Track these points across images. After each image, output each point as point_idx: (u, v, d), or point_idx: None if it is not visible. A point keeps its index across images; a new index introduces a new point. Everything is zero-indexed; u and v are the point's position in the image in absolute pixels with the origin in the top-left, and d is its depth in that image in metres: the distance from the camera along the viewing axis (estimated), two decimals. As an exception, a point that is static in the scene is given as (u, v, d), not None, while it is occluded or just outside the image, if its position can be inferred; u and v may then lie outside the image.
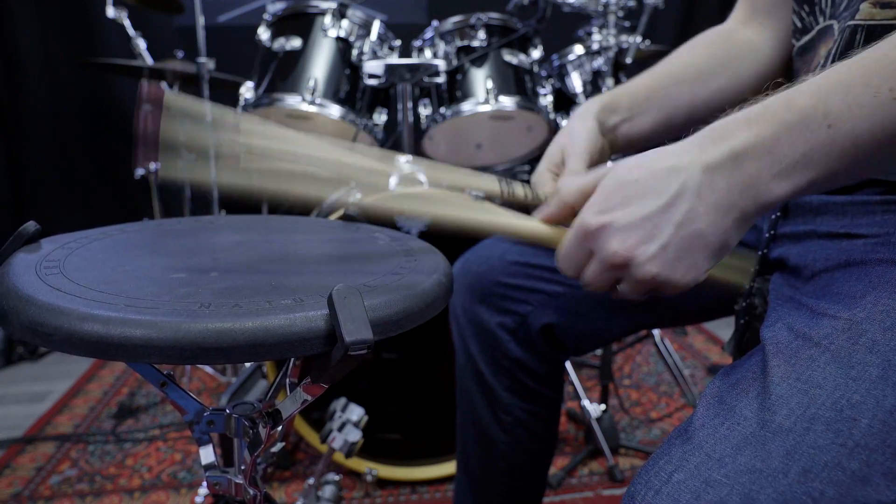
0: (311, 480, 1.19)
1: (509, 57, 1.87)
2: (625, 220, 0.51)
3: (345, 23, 1.84)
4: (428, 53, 1.96)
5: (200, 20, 1.85)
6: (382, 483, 1.51)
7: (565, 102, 2.06)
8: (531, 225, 0.61)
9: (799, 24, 0.70)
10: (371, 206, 0.64)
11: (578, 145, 0.74)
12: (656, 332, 1.91)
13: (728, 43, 0.83)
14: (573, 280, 0.83)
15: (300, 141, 0.62)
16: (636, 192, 0.51)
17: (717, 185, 0.49)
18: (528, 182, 0.72)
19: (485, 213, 0.62)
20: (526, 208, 0.64)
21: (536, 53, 1.94)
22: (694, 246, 0.50)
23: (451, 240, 1.16)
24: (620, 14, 1.79)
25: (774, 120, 0.48)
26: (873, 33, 0.56)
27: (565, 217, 0.59)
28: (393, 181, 1.45)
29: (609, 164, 0.74)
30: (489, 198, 0.67)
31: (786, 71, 0.81)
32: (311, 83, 1.75)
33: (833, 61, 0.60)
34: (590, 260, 0.55)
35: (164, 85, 2.07)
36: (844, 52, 0.59)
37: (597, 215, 0.52)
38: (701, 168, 0.49)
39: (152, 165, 2.11)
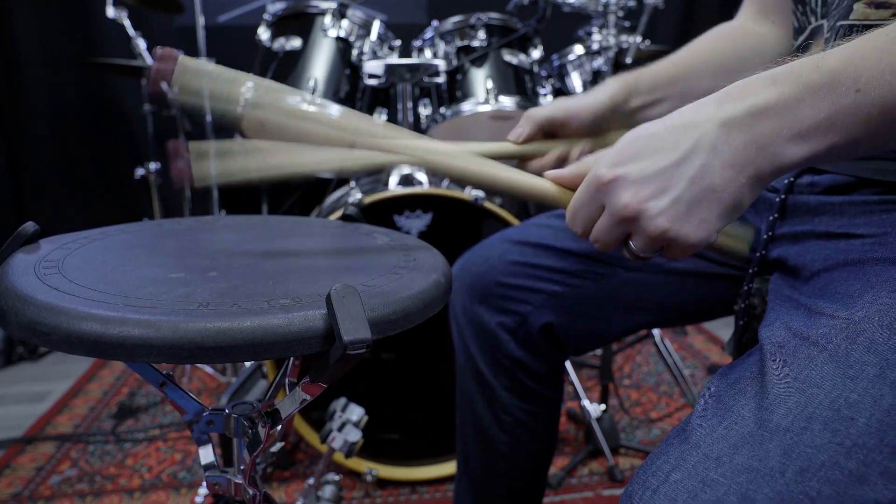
0: (311, 480, 1.19)
1: (509, 57, 1.87)
2: (638, 173, 0.50)
3: (345, 23, 1.85)
4: (428, 53, 1.96)
5: (200, 20, 1.85)
6: (382, 483, 1.51)
7: (565, 102, 2.06)
8: (543, 184, 0.61)
9: (796, 24, 0.70)
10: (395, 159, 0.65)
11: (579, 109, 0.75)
12: (656, 332, 1.91)
13: (746, 38, 0.83)
14: (571, 280, 0.84)
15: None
16: (651, 146, 0.51)
17: (734, 142, 0.48)
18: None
19: (499, 170, 0.62)
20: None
21: (536, 53, 1.94)
22: (706, 201, 0.50)
23: (450, 240, 1.16)
24: (620, 14, 1.79)
25: (800, 80, 0.47)
26: None
27: (576, 182, 0.58)
28: (393, 181, 1.45)
29: None
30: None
31: None
32: (311, 83, 1.75)
33: None
34: (600, 215, 0.54)
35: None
36: None
37: (610, 168, 0.52)
38: (718, 123, 0.49)
39: (152, 165, 2.11)
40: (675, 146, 0.50)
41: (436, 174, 1.42)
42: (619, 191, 0.51)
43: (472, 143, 0.71)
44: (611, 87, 0.76)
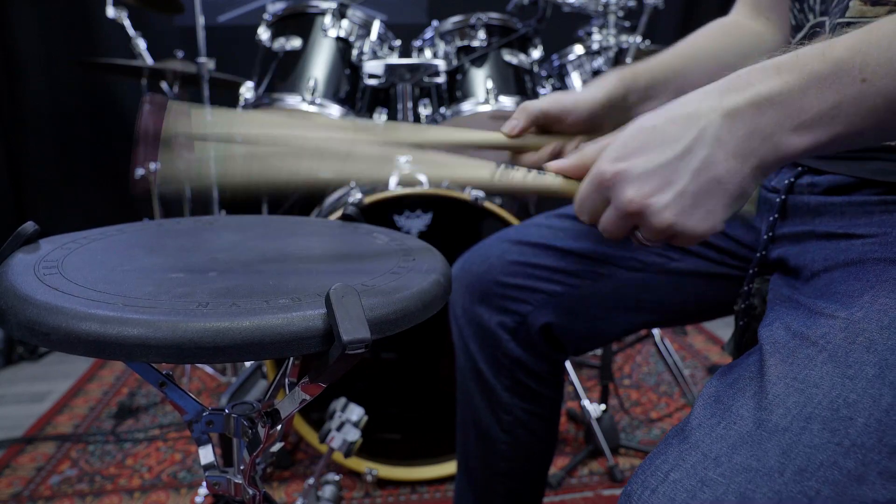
0: (310, 480, 1.19)
1: (509, 57, 1.87)
2: (641, 167, 0.50)
3: (345, 23, 1.84)
4: (428, 53, 1.96)
5: (200, 20, 1.85)
6: (382, 483, 1.51)
7: (565, 102, 2.06)
8: (546, 180, 0.61)
9: (793, 22, 0.70)
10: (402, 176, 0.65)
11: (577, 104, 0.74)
12: (656, 332, 1.91)
13: (741, 33, 0.83)
14: (571, 280, 0.84)
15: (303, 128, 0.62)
16: (654, 140, 0.50)
17: (737, 132, 0.48)
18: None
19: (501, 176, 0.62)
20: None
21: (536, 53, 1.94)
22: (711, 193, 0.49)
23: (450, 240, 1.16)
24: (620, 14, 1.79)
25: (805, 70, 0.47)
26: None
27: (579, 173, 0.58)
28: (393, 181, 1.45)
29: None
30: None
31: None
32: (311, 83, 1.75)
33: None
34: (606, 207, 0.54)
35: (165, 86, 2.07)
36: None
37: (613, 163, 0.52)
38: (721, 114, 0.48)
39: (152, 165, 2.11)
40: (678, 138, 0.49)
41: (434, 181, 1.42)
42: (622, 186, 0.51)
43: (466, 131, 0.70)
44: (608, 84, 0.75)
